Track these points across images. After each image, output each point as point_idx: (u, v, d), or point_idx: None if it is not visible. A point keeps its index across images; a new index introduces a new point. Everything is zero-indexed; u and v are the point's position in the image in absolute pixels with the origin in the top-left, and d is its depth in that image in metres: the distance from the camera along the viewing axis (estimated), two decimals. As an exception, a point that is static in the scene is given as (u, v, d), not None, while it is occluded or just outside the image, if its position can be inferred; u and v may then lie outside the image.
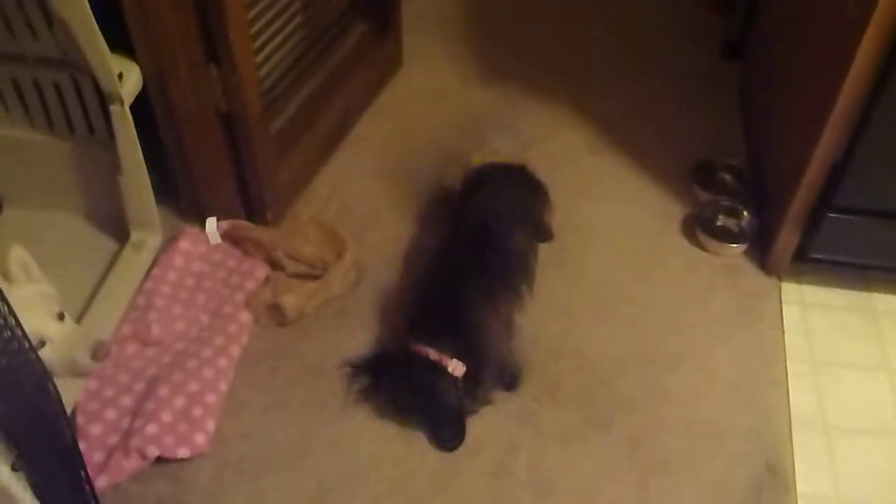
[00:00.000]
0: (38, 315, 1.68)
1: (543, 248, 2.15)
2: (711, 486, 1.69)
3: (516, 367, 1.84)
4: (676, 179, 2.34)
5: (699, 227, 2.16)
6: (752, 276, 2.10)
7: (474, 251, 1.81)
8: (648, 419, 1.80)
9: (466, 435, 1.74)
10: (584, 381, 1.86)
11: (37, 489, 1.22)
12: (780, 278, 2.09)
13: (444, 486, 1.68)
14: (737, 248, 2.13)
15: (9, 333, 1.09)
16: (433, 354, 1.68)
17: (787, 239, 2.01)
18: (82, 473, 1.36)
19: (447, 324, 1.73)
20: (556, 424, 1.79)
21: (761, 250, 2.12)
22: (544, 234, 2.07)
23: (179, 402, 1.75)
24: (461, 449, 1.73)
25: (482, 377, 1.75)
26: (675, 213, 2.25)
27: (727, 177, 2.33)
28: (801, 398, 1.85)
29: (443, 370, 1.68)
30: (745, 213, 2.19)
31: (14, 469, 1.17)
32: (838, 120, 1.75)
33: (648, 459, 1.73)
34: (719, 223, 2.20)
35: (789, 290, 2.08)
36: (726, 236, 2.16)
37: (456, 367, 1.68)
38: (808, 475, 1.72)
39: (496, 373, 1.79)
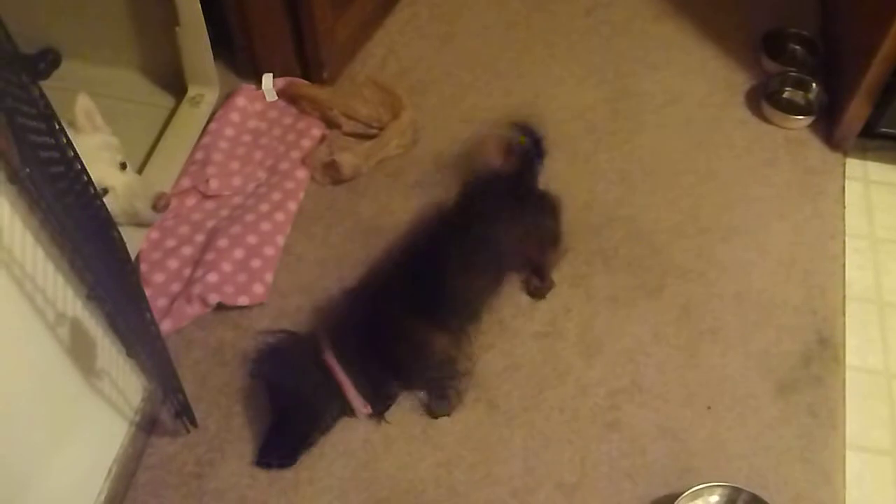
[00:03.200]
0: (101, 164, 1.72)
1: (600, 114, 2.12)
2: (760, 355, 1.70)
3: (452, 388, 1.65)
4: (744, 49, 2.26)
5: (765, 99, 2.09)
6: (816, 150, 2.04)
7: (418, 293, 1.55)
8: (700, 288, 1.80)
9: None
10: (638, 249, 1.86)
11: (109, 318, 1.27)
12: (845, 153, 2.03)
13: (491, 343, 1.72)
14: (802, 122, 2.06)
15: (74, 176, 1.11)
16: (343, 378, 1.53)
17: (857, 112, 1.94)
18: (148, 315, 1.41)
19: (376, 348, 1.55)
20: (608, 289, 1.80)
21: (828, 124, 2.06)
22: (536, 285, 1.80)
23: (238, 253, 1.79)
24: (512, 308, 1.76)
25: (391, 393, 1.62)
26: (740, 83, 2.18)
27: (797, 47, 2.24)
28: (857, 274, 1.83)
29: (341, 398, 1.54)
30: (814, 85, 2.11)
31: (89, 297, 1.22)
32: (925, -17, 1.66)
33: (698, 326, 1.74)
34: (786, 95, 2.13)
35: (853, 165, 2.02)
36: (792, 109, 2.09)
37: (358, 406, 1.55)
38: (859, 349, 1.72)
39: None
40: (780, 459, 1.56)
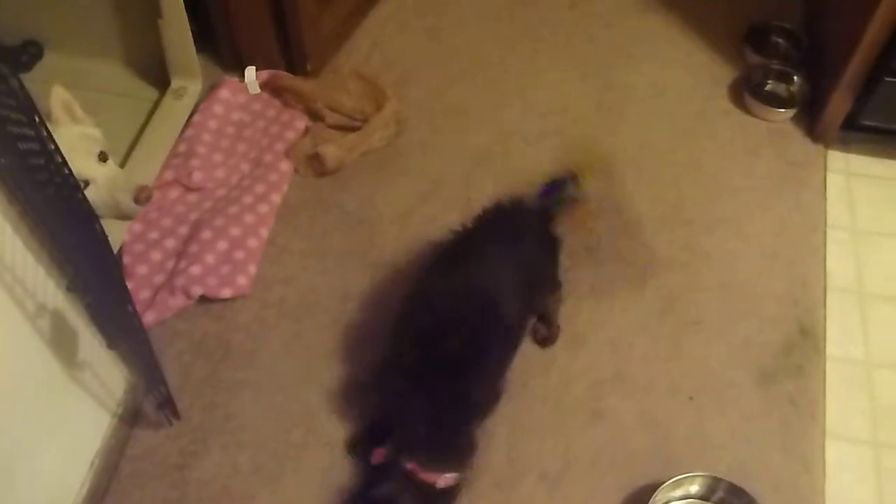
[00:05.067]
0: (81, 156, 1.69)
1: (585, 107, 2.13)
2: (742, 345, 1.71)
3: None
4: (728, 42, 2.26)
5: (748, 92, 2.10)
6: (798, 142, 2.05)
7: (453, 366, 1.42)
8: (684, 279, 1.81)
9: None
10: (622, 241, 1.87)
11: (90, 310, 1.27)
12: (826, 146, 2.04)
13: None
14: (785, 114, 2.07)
15: (55, 168, 1.10)
16: (428, 476, 1.42)
17: (839, 105, 1.95)
18: (130, 307, 1.41)
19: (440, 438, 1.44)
20: (592, 281, 1.80)
21: (810, 117, 2.07)
22: (543, 334, 1.72)
23: (222, 245, 1.79)
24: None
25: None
26: (724, 76, 2.19)
27: (780, 40, 2.25)
28: (838, 265, 1.85)
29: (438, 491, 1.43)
30: (796, 77, 2.12)
31: (69, 289, 1.22)
32: (906, -25, 1.66)
33: (681, 317, 1.75)
34: (768, 88, 2.14)
35: (835, 158, 2.03)
36: (775, 101, 2.10)
37: (448, 480, 1.43)
38: (840, 339, 1.73)
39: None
40: (760, 449, 1.58)
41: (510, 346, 1.52)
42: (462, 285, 1.47)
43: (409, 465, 1.41)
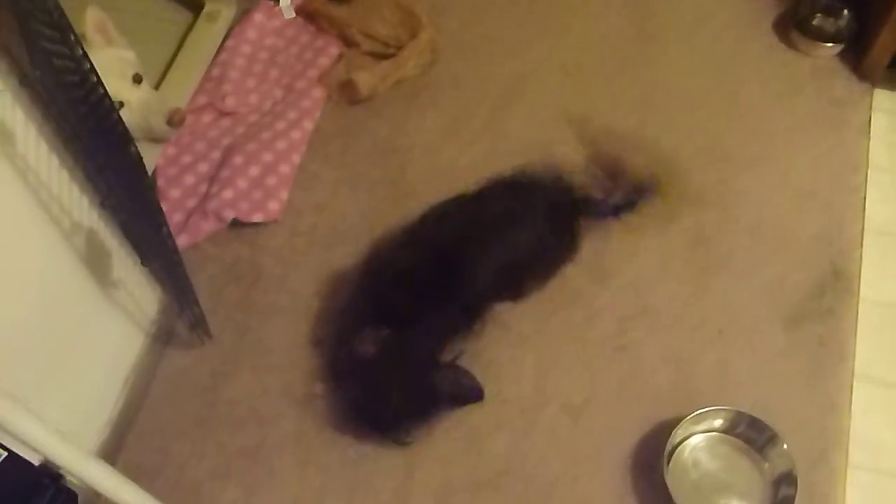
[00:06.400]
0: (115, 77, 1.70)
1: (624, 36, 2.07)
2: (773, 284, 1.69)
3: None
4: (775, -27, 2.19)
5: (793, 25, 2.03)
6: (843, 80, 1.99)
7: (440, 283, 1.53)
8: (716, 216, 1.78)
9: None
10: (656, 174, 1.83)
11: (124, 228, 1.29)
12: (873, 84, 1.97)
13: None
14: (831, 49, 2.00)
15: (90, 87, 1.11)
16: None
17: (887, 42, 1.88)
18: (165, 229, 1.43)
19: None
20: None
21: (857, 54, 2.00)
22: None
23: (254, 170, 1.79)
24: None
25: None
26: (769, 8, 2.12)
27: (830, -28, 2.16)
28: (878, 207, 1.80)
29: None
30: (845, 12, 2.04)
31: (103, 206, 1.24)
32: None
33: (710, 255, 1.73)
34: (815, 22, 2.06)
35: (881, 97, 1.97)
36: (821, 36, 2.03)
37: None
38: (875, 281, 1.70)
39: None
40: (786, 387, 1.57)
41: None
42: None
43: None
